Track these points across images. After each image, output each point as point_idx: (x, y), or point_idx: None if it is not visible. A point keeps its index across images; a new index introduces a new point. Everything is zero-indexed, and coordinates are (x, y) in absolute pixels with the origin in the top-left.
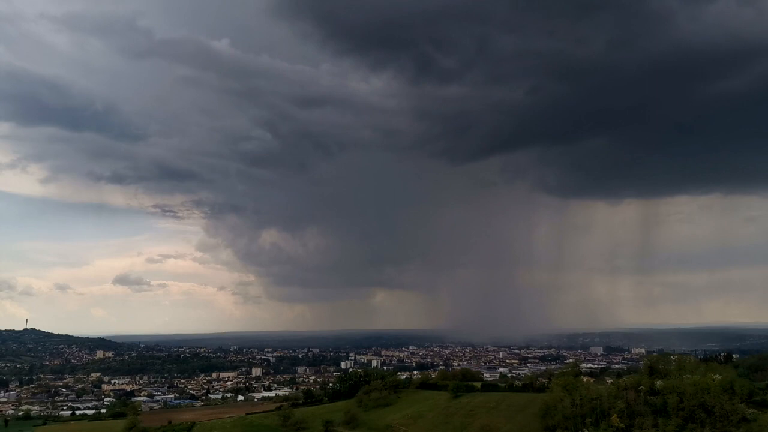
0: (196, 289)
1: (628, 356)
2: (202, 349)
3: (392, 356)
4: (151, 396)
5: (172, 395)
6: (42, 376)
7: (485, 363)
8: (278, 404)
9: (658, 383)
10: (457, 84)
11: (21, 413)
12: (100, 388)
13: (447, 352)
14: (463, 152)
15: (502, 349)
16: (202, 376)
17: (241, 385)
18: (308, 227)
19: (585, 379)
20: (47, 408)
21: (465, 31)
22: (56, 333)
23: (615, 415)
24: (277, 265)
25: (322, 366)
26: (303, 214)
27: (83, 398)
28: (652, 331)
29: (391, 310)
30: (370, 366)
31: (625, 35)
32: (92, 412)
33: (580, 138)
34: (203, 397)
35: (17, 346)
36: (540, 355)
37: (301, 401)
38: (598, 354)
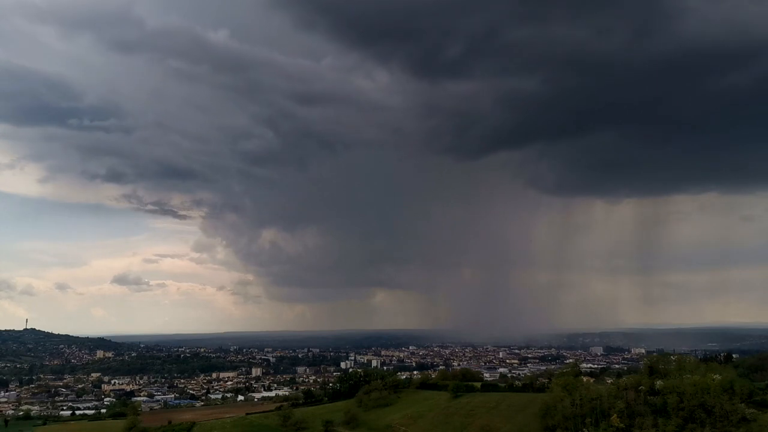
0: (195, 289)
1: (628, 356)
2: (202, 349)
3: (392, 356)
4: (151, 396)
5: (172, 395)
6: (42, 376)
7: (485, 363)
8: (278, 404)
9: (658, 383)
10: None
11: (21, 413)
12: (100, 388)
13: (447, 352)
14: (466, 150)
15: (502, 349)
16: (202, 376)
17: (241, 385)
18: (308, 226)
19: (585, 379)
20: (47, 408)
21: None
22: (56, 333)
23: (615, 415)
24: (277, 264)
25: (322, 366)
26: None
27: (83, 398)
28: (652, 331)
29: (391, 310)
30: (370, 366)
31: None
32: (92, 412)
33: (574, 136)
34: (203, 397)
35: (17, 346)
36: (540, 355)
37: (301, 401)
38: (598, 354)
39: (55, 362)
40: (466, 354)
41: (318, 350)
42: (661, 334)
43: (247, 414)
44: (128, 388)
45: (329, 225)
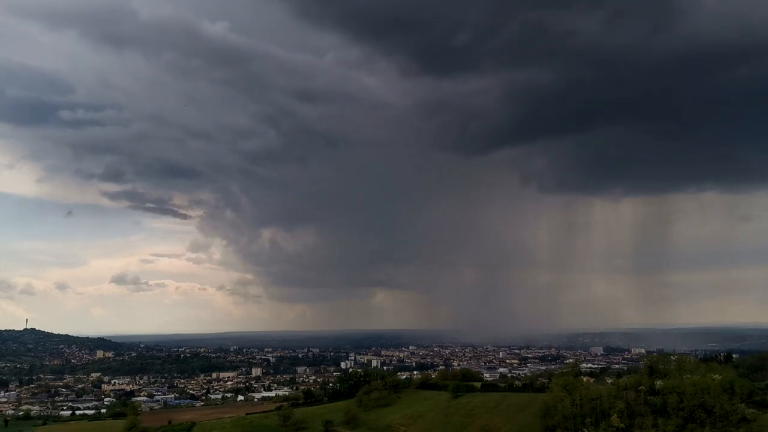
0: (195, 289)
1: (628, 356)
2: (202, 349)
3: (392, 356)
4: (151, 396)
5: (172, 395)
6: (42, 376)
7: (485, 363)
8: (278, 404)
9: (658, 383)
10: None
11: (21, 413)
12: (100, 388)
13: (447, 352)
14: (467, 147)
15: (502, 349)
16: (202, 376)
17: (241, 385)
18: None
19: (585, 379)
20: (47, 408)
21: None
22: (56, 333)
23: (615, 415)
24: (277, 264)
25: (322, 366)
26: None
27: (83, 398)
28: (652, 331)
29: (391, 310)
30: (370, 366)
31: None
32: (92, 412)
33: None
34: (203, 397)
35: (17, 346)
36: (540, 355)
37: (301, 401)
38: (598, 354)
39: (55, 362)
40: (466, 354)
41: (318, 350)
42: (661, 334)
43: (247, 414)
44: (128, 388)
45: (329, 224)
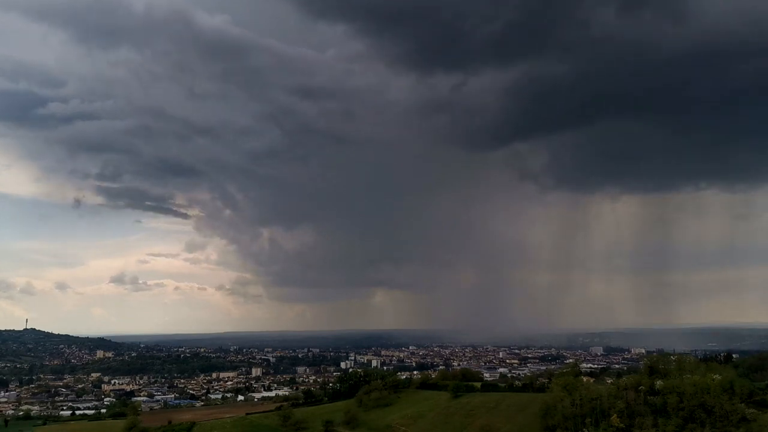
0: (195, 289)
1: (628, 356)
2: (202, 349)
3: (392, 356)
4: (151, 396)
5: (172, 395)
6: (42, 376)
7: (485, 363)
8: (278, 404)
9: (658, 383)
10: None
11: (21, 413)
12: (100, 388)
13: (447, 352)
14: (467, 145)
15: (502, 349)
16: (202, 376)
17: (241, 385)
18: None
19: (585, 379)
20: (47, 408)
21: None
22: (56, 333)
23: (615, 415)
24: (277, 264)
25: (322, 366)
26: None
27: (83, 398)
28: (652, 331)
29: (391, 310)
30: (370, 366)
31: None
32: (92, 412)
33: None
34: (203, 397)
35: (17, 346)
36: (540, 355)
37: (301, 401)
38: (598, 354)
39: (55, 362)
40: (466, 354)
41: (318, 350)
42: (661, 334)
43: (247, 414)
44: (128, 388)
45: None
